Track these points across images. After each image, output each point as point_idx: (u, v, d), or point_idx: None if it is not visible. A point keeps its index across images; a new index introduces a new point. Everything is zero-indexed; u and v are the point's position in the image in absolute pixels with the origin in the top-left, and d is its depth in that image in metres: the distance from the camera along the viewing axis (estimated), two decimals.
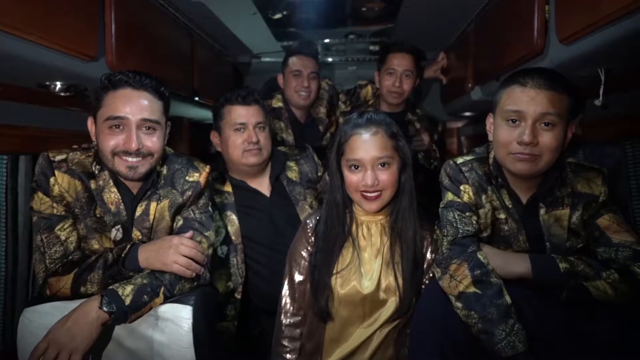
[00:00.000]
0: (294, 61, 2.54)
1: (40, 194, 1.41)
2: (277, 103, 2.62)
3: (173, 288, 1.38)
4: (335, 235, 1.50)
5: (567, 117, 1.31)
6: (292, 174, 2.04)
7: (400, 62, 2.43)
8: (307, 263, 1.55)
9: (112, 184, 1.47)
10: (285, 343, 1.55)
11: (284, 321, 1.56)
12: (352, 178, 1.45)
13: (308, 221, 1.59)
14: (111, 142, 1.39)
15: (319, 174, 2.08)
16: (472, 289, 1.27)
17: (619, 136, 1.63)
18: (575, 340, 1.22)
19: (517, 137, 1.30)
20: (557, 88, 1.28)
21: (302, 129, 2.65)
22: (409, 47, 2.46)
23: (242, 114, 1.88)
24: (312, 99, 2.60)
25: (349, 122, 1.51)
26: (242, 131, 1.89)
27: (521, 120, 1.30)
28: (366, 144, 1.43)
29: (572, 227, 1.38)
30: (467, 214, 1.40)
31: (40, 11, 1.27)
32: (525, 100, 1.29)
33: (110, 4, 1.60)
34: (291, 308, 1.56)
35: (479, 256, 1.31)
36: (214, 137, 2.00)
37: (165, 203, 1.53)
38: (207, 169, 1.62)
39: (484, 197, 1.42)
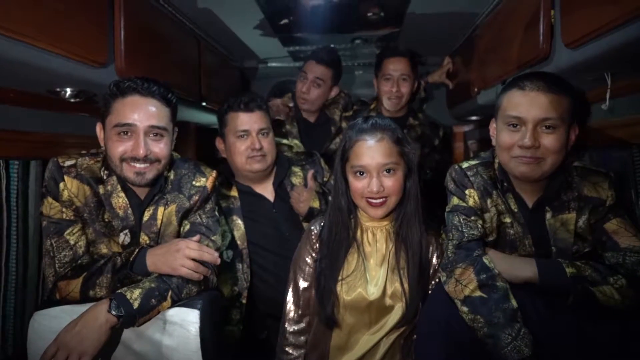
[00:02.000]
0: (305, 65, 2.59)
1: (49, 199, 1.44)
2: (287, 103, 2.65)
3: (180, 292, 1.39)
4: (340, 241, 1.49)
5: (568, 119, 1.31)
6: (297, 179, 2.05)
7: (395, 67, 2.43)
8: (311, 270, 1.54)
9: (120, 189, 1.49)
10: (290, 350, 1.54)
11: (288, 328, 1.55)
12: (357, 184, 1.44)
13: (312, 227, 1.57)
14: (119, 148, 1.41)
15: (325, 179, 2.09)
16: (477, 293, 1.27)
17: (626, 140, 1.62)
18: (582, 345, 1.21)
19: (518, 140, 1.30)
20: (556, 90, 1.28)
21: (312, 128, 2.66)
22: (404, 51, 2.47)
23: (245, 121, 1.89)
24: (313, 106, 2.60)
25: (353, 127, 1.49)
26: (245, 138, 1.90)
27: (522, 125, 1.31)
28: (371, 150, 1.41)
29: (578, 232, 1.37)
30: (473, 218, 1.39)
31: (51, 19, 1.29)
32: (525, 104, 1.29)
33: (119, 11, 1.61)
34: (295, 315, 1.55)
35: (485, 260, 1.31)
36: (219, 144, 2.02)
37: (172, 208, 1.54)
38: (214, 173, 1.63)
39: (489, 201, 1.42)
